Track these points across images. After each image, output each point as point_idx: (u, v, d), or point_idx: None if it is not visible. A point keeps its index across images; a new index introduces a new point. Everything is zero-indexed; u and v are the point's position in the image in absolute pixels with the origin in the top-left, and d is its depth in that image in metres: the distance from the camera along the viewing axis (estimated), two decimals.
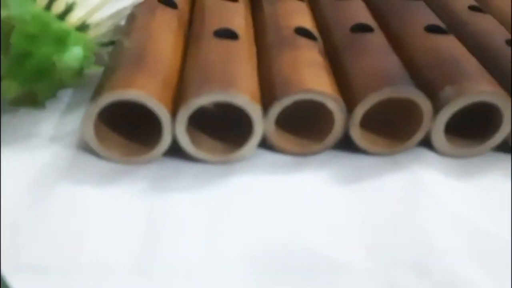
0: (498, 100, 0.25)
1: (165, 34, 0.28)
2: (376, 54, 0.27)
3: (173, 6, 0.31)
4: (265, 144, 0.26)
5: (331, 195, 0.24)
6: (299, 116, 0.26)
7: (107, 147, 0.24)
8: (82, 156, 0.25)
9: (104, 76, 0.25)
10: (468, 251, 0.21)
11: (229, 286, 0.20)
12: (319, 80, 0.25)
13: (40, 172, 0.24)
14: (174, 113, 0.24)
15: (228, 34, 0.28)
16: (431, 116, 0.25)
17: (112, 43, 0.28)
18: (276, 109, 0.25)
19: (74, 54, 0.26)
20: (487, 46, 0.28)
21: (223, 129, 0.26)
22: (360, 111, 0.24)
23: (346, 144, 0.26)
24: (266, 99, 0.25)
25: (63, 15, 0.26)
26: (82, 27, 0.26)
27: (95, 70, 0.27)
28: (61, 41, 0.25)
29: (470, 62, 0.26)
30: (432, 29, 0.29)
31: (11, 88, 0.25)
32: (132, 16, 0.29)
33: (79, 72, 0.27)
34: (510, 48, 0.28)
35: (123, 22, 0.30)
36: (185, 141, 0.24)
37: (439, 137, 0.25)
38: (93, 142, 0.24)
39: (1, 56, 0.25)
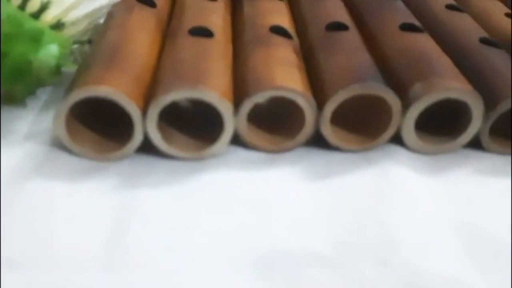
0: (466, 97, 0.25)
1: (141, 33, 0.28)
2: (348, 52, 0.27)
3: (152, 5, 0.31)
4: (238, 140, 0.26)
5: (302, 192, 0.24)
6: (272, 113, 0.26)
7: (79, 143, 0.25)
8: (56, 152, 0.25)
9: (77, 73, 0.25)
10: (434, 246, 0.22)
11: (196, 282, 0.20)
12: (290, 78, 0.25)
13: (13, 168, 0.24)
14: (146, 110, 0.24)
15: (203, 32, 0.28)
16: (400, 112, 0.25)
17: (89, 41, 0.29)
18: (247, 106, 0.25)
19: (49, 52, 0.26)
20: (461, 44, 0.29)
21: (198, 126, 0.26)
22: (330, 108, 0.25)
23: (319, 141, 0.26)
24: (239, 96, 0.25)
25: (37, 14, 0.26)
26: (58, 26, 0.27)
27: (73, 68, 0.28)
28: (35, 39, 0.26)
29: (441, 60, 0.27)
30: (407, 27, 0.29)
31: None
32: (110, 15, 0.30)
33: (56, 70, 0.27)
34: (483, 46, 0.28)
35: (101, 21, 0.30)
36: (156, 138, 0.24)
37: (409, 134, 0.26)
38: (65, 138, 0.24)
39: None
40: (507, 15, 0.32)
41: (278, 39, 0.28)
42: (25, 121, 0.27)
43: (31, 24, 0.26)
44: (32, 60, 0.26)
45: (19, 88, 0.27)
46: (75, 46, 0.29)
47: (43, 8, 0.26)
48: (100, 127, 0.26)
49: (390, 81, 0.26)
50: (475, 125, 0.25)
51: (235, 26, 0.32)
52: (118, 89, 0.23)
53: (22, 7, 0.26)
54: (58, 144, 0.25)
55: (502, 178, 0.25)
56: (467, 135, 0.26)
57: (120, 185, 0.24)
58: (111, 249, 0.21)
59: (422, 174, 0.25)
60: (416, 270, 0.21)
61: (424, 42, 0.28)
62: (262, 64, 0.26)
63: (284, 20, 0.31)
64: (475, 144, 0.26)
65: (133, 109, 0.24)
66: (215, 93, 0.24)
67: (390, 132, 0.25)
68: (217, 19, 0.30)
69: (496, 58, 0.27)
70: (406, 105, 0.25)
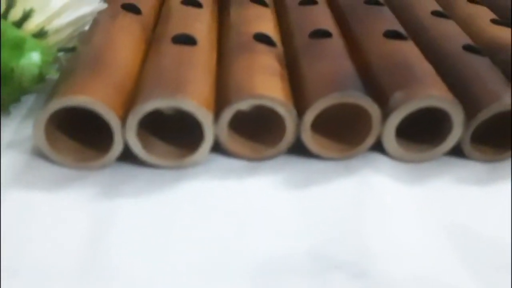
0: (446, 105, 0.25)
1: (124, 40, 0.28)
2: (330, 60, 0.27)
3: (137, 12, 0.31)
4: (220, 149, 0.26)
5: (283, 200, 0.24)
6: (255, 121, 0.26)
7: (59, 152, 0.25)
8: (36, 161, 0.25)
9: (58, 81, 0.25)
10: (413, 256, 0.22)
11: None
12: (271, 86, 0.25)
13: None
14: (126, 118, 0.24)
15: (187, 40, 0.28)
16: (380, 121, 0.25)
17: (74, 48, 0.29)
18: (227, 114, 0.25)
19: (31, 59, 0.26)
20: (445, 51, 0.29)
21: (182, 134, 0.26)
22: (310, 116, 0.25)
23: (300, 149, 0.26)
24: (221, 104, 0.25)
25: (20, 22, 0.26)
26: (41, 34, 0.27)
27: (57, 76, 0.28)
28: (17, 47, 0.26)
29: (423, 68, 0.27)
30: (391, 34, 0.29)
31: None
32: (95, 22, 0.30)
33: (40, 77, 0.27)
34: (466, 53, 0.28)
35: (86, 28, 0.30)
36: (136, 146, 0.24)
37: (390, 142, 0.26)
38: (45, 147, 0.24)
39: None
40: (493, 21, 0.32)
41: (262, 47, 0.28)
42: (7, 129, 0.27)
43: (13, 32, 0.26)
44: (13, 67, 0.26)
45: (2, 95, 0.27)
46: (61, 53, 0.29)
47: (26, 17, 0.26)
48: (81, 136, 0.26)
49: (372, 89, 0.26)
50: (456, 133, 0.25)
51: (221, 33, 0.32)
52: (97, 98, 0.23)
53: (4, 15, 0.26)
54: (38, 153, 0.25)
55: (484, 186, 0.25)
56: (448, 143, 0.26)
57: (100, 194, 0.24)
58: (90, 258, 0.21)
59: (403, 182, 0.25)
60: (393, 280, 0.21)
61: (407, 50, 0.28)
62: (244, 72, 0.26)
63: (269, 27, 0.31)
64: (457, 152, 0.26)
65: (112, 118, 0.24)
66: (194, 101, 0.24)
67: (370, 140, 0.25)
68: (201, 26, 0.30)
69: (478, 65, 0.27)
70: (386, 113, 0.25)
